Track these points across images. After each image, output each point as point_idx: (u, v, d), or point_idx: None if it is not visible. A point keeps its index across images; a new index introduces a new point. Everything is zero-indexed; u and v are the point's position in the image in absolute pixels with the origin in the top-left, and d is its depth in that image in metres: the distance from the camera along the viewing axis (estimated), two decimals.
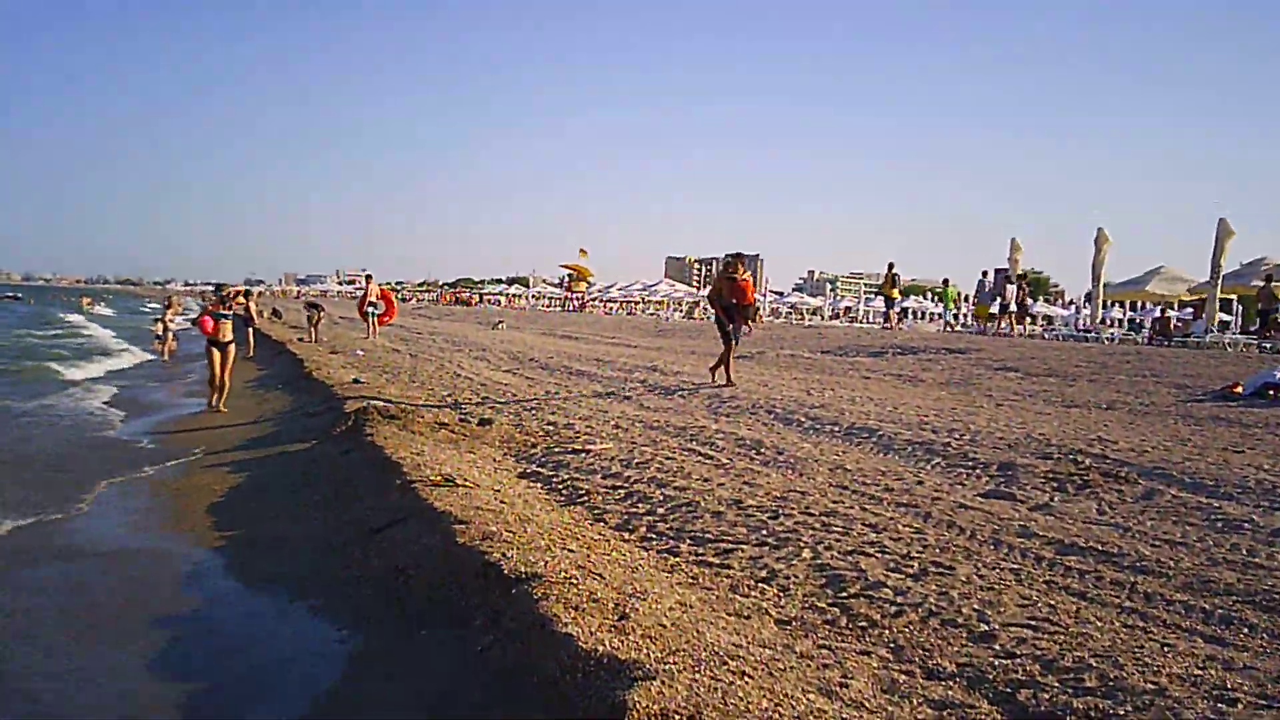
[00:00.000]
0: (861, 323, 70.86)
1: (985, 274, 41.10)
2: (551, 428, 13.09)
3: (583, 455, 11.12)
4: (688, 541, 7.55)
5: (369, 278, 34.17)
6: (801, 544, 7.30)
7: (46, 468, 12.40)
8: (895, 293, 41.43)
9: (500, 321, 46.32)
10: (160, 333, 33.96)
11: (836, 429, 12.43)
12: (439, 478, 8.91)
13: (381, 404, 14.52)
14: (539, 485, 9.83)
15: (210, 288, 25.59)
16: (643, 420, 13.49)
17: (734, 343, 17.40)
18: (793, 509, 8.34)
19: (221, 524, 9.32)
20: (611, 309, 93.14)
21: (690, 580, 6.57)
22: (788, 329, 39.89)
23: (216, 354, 18.13)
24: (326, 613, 6.70)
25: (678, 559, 7.10)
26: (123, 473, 12.30)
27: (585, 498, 9.12)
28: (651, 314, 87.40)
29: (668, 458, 10.66)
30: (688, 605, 5.83)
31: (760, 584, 6.49)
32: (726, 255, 17.27)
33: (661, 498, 8.90)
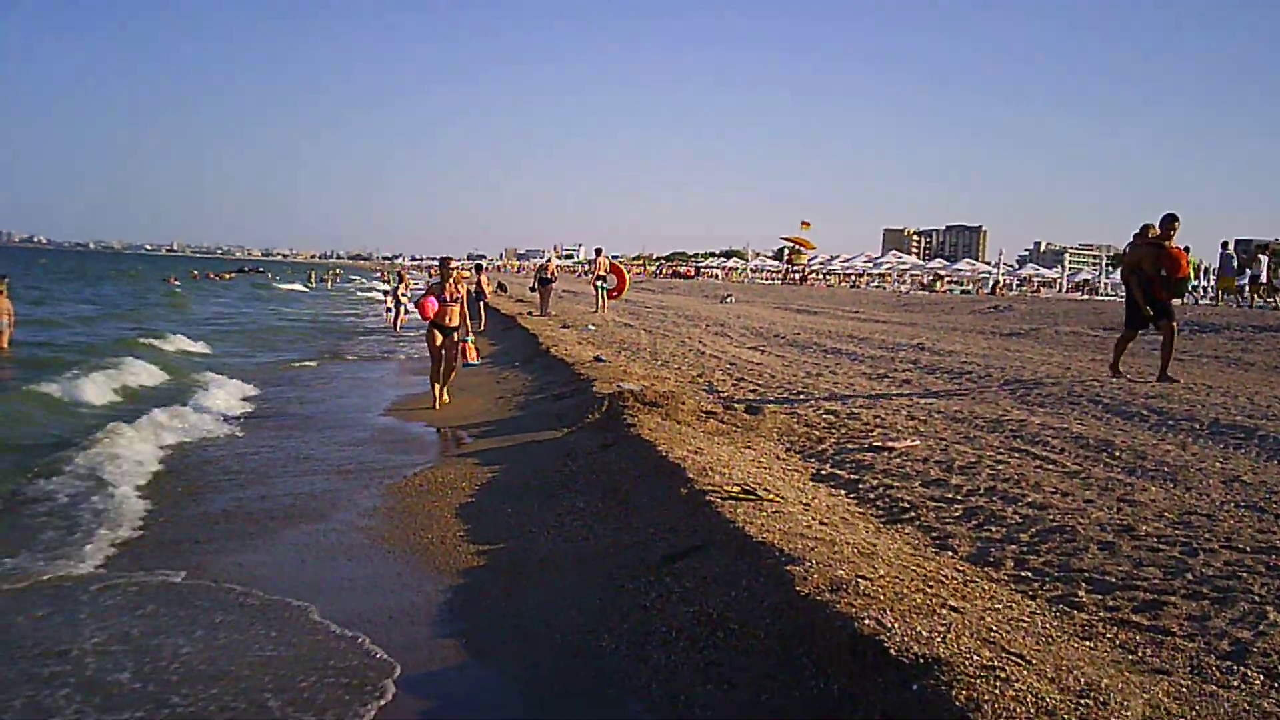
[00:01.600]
0: (1103, 296, 66.33)
1: (1225, 245, 37.04)
2: (833, 417, 11.27)
3: (885, 454, 9.27)
4: (1084, 587, 5.60)
5: (599, 251, 33.01)
6: (1256, 596, 5.28)
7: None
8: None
9: (729, 295, 44.68)
10: (391, 305, 34.16)
11: (1197, 427, 10.15)
12: (735, 487, 7.19)
13: (637, 388, 12.99)
14: (844, 494, 8.04)
15: (436, 262, 24.25)
16: (940, 410, 11.51)
17: (1168, 323, 13.60)
18: (1209, 540, 6.29)
19: (476, 534, 7.86)
20: (833, 282, 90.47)
21: (1130, 655, 4.65)
22: (1037, 303, 36.81)
23: (439, 337, 15.02)
24: (635, 693, 4.96)
25: (1086, 616, 5.18)
26: (357, 459, 11.14)
27: (912, 514, 7.27)
28: (876, 286, 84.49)
29: (997, 460, 8.69)
30: (1167, 713, 3.94)
31: (1229, 663, 4.53)
32: (1165, 214, 13.40)
33: (1016, 518, 6.96)
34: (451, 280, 15.19)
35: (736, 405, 12.12)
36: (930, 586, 5.25)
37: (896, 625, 4.45)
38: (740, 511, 6.51)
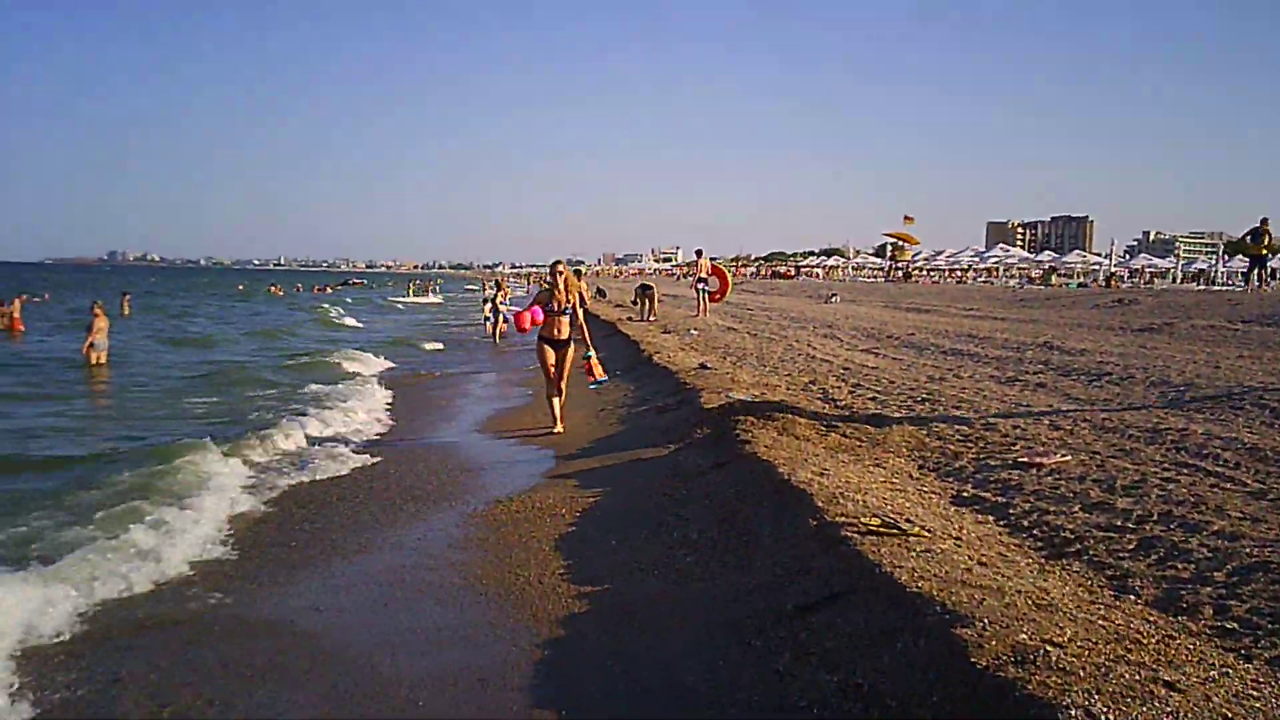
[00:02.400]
0: (1222, 286, 63.49)
1: None
2: (967, 428, 10.25)
3: (1033, 472, 8.25)
4: None
5: (699, 253, 32.07)
6: None
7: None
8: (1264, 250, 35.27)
9: (834, 295, 43.42)
10: (489, 314, 33.64)
11: None
12: (874, 518, 6.25)
13: (747, 398, 12.09)
14: (993, 521, 7.06)
15: (535, 269, 23.19)
16: (1087, 418, 10.41)
17: None
18: None
19: (577, 571, 7.02)
20: (939, 278, 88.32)
21: None
22: (1162, 295, 34.93)
23: (550, 353, 13.40)
24: None
25: None
26: (453, 480, 10.43)
27: (1078, 546, 6.27)
28: (984, 281, 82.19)
29: (1165, 478, 7.62)
30: None
31: None
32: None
33: (1204, 551, 5.92)
34: (562, 288, 13.30)
35: (858, 416, 11.16)
36: (1128, 650, 4.28)
37: (1110, 716, 3.50)
38: (885, 551, 5.58)
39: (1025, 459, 8.69)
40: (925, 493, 7.87)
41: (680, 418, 11.99)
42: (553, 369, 13.42)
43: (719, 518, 7.66)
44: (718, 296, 31.98)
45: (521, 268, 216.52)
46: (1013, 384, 13.60)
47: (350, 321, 49.60)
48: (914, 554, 5.56)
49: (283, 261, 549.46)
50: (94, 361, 23.12)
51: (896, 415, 11.17)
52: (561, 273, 13.43)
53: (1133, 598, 5.38)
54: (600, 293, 49.86)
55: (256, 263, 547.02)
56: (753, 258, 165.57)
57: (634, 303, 33.28)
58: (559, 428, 13.24)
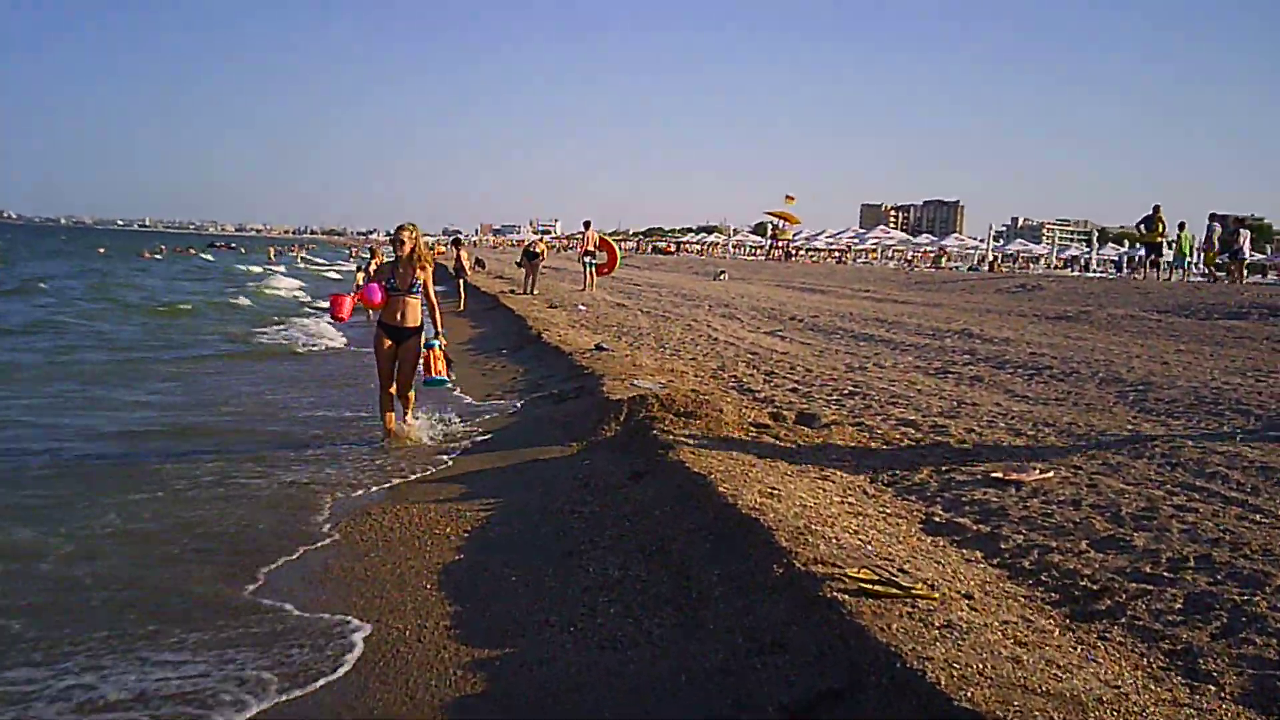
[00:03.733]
0: (1094, 272, 64.40)
1: (1213, 218, 34.88)
2: (914, 430, 8.92)
3: (1013, 491, 6.93)
4: None
5: (587, 224, 30.44)
6: None
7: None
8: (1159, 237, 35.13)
9: (722, 272, 42.16)
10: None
11: None
12: (864, 573, 4.76)
13: (656, 387, 10.59)
14: (985, 559, 5.68)
15: (386, 236, 20.78)
16: (1048, 422, 9.15)
17: None
18: None
19: (468, 625, 5.34)
20: (819, 258, 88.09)
21: None
22: (1068, 282, 34.38)
23: (388, 342, 10.13)
24: None
25: None
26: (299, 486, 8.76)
27: (1108, 602, 4.91)
28: (864, 262, 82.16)
29: (1178, 506, 6.32)
30: None
31: None
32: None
33: (1239, 603, 4.66)
34: (408, 259, 9.99)
35: (784, 413, 9.75)
36: None
37: None
38: (895, 626, 4.10)
39: (999, 474, 7.36)
40: (890, 517, 6.47)
41: (582, 410, 10.42)
42: (390, 363, 10.12)
43: (646, 549, 6.12)
44: (605, 270, 30.45)
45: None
46: (944, 376, 12.35)
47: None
48: (933, 630, 4.10)
49: (148, 222, 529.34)
50: None
51: (828, 412, 9.79)
52: (408, 240, 9.98)
53: (1212, 689, 4.02)
54: (479, 263, 47.81)
55: (120, 223, 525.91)
56: (631, 233, 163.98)
57: (518, 264, 31.56)
58: (389, 439, 10.12)
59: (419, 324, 10.15)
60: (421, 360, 10.29)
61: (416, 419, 10.49)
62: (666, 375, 12.14)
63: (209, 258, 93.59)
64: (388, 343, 10.09)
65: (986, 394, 10.93)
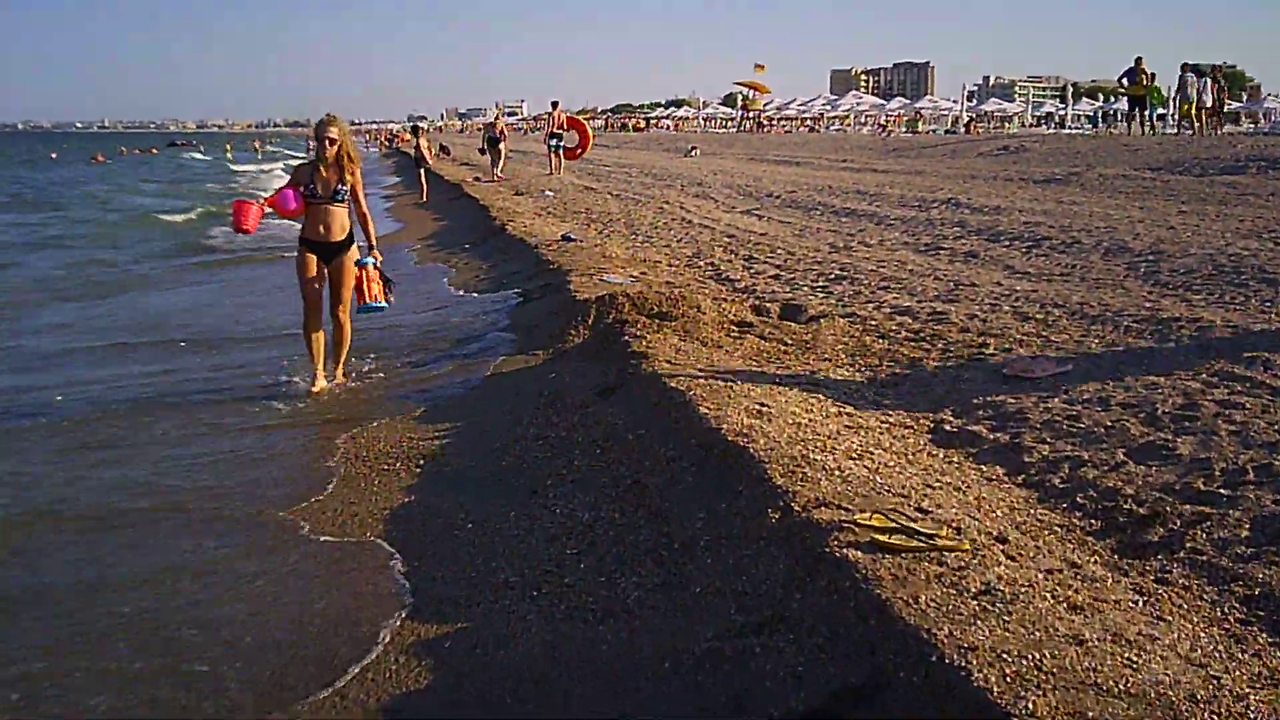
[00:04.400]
0: (1070, 128, 63.20)
1: (1185, 67, 33.58)
2: (911, 320, 8.14)
3: (1028, 388, 6.18)
4: None
5: (555, 105, 29.09)
6: None
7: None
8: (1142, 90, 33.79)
9: (693, 148, 40.87)
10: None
11: None
12: (877, 519, 3.97)
13: (625, 282, 9.74)
14: (1007, 476, 4.96)
15: (374, 127, 18.99)
16: (1056, 302, 8.36)
17: None
18: None
19: (418, 585, 4.59)
20: (791, 127, 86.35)
21: None
22: (1050, 141, 33.28)
23: (312, 264, 8.21)
24: None
25: None
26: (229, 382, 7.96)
27: (1161, 531, 4.17)
28: (838, 130, 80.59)
29: (1221, 401, 5.57)
30: None
31: None
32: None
33: None
34: (333, 158, 8.01)
35: (766, 304, 8.93)
36: None
37: None
38: (925, 597, 3.31)
39: (1011, 370, 6.58)
40: (894, 430, 5.70)
41: (548, 310, 9.57)
42: (316, 287, 8.22)
43: (619, 484, 5.33)
44: (578, 152, 29.11)
45: (362, 124, 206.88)
46: (935, 253, 11.53)
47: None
48: (969, 601, 3.31)
49: (107, 124, 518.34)
50: None
51: (815, 302, 8.98)
52: (334, 138, 8.01)
53: None
54: (444, 149, 46.41)
55: (79, 125, 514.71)
56: (599, 110, 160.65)
57: (481, 151, 30.32)
58: (319, 383, 8.12)
59: (348, 237, 8.21)
60: (356, 282, 8.27)
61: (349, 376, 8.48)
62: (639, 267, 11.27)
63: (201, 156, 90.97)
64: (312, 261, 8.14)
65: (984, 272, 10.12)
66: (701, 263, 11.70)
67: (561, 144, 28.34)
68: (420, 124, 46.04)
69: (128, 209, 33.08)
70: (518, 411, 6.86)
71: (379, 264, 8.38)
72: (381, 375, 8.58)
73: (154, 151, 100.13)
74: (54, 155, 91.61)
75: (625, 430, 5.91)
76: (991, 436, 5.51)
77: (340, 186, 8.05)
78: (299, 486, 6.02)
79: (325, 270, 8.19)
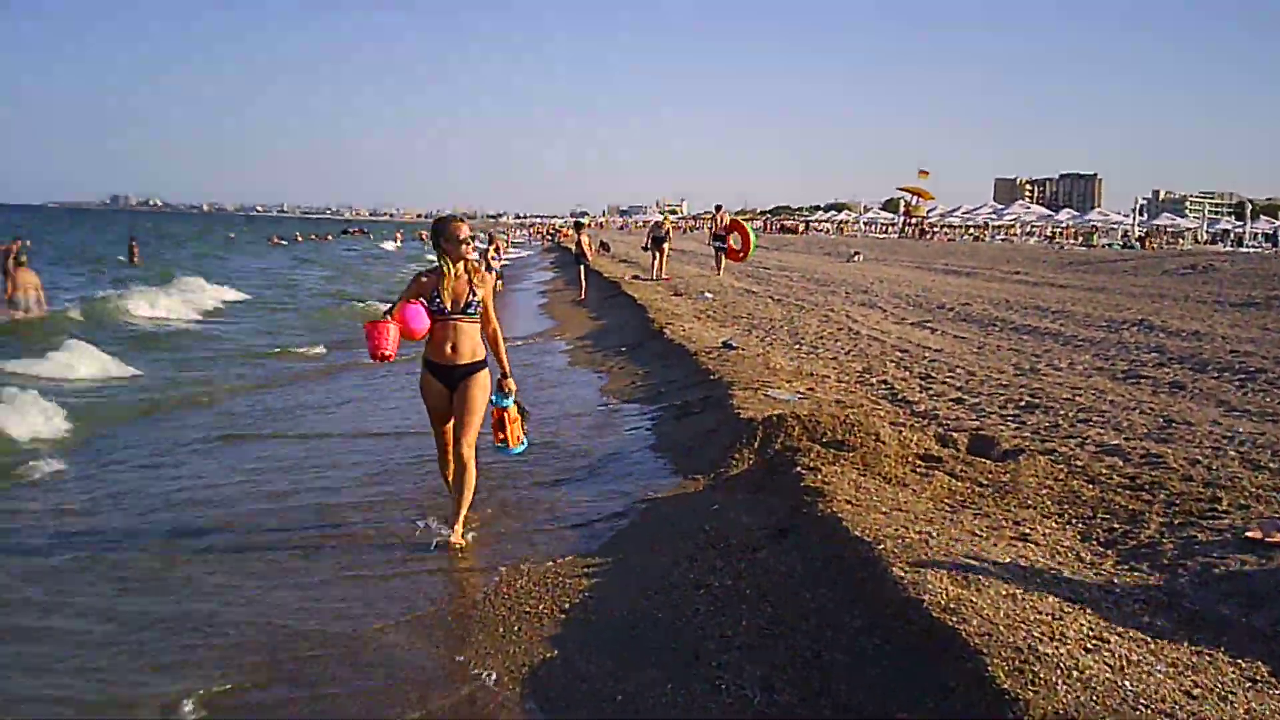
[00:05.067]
0: (1249, 247, 60.33)
1: None
2: (1123, 464, 7.15)
3: (1278, 559, 5.18)
4: None
5: (718, 207, 28.69)
6: None
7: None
8: None
9: (856, 253, 40.07)
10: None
11: None
12: None
13: (793, 399, 8.98)
14: None
15: (537, 220, 18.25)
16: None
17: None
18: None
19: None
20: (954, 235, 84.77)
21: None
22: (1240, 261, 31.54)
23: (436, 389, 6.82)
24: None
25: None
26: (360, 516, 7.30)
27: None
28: (1003, 239, 78.79)
29: None
30: None
31: None
32: None
33: None
34: (459, 269, 6.73)
35: (952, 434, 8.05)
36: None
37: None
38: None
39: (1256, 534, 5.58)
40: (1124, 604, 4.77)
41: (708, 428, 8.85)
42: (445, 419, 6.85)
43: (796, 659, 4.51)
44: (741, 255, 28.50)
45: (526, 218, 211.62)
46: (1135, 381, 10.47)
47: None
48: None
49: (286, 208, 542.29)
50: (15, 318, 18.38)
51: (1007, 434, 8.06)
52: (462, 236, 6.74)
53: None
54: (604, 246, 46.53)
55: (261, 209, 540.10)
56: (758, 211, 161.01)
57: (645, 249, 30.05)
58: (456, 535, 6.73)
59: (479, 358, 6.77)
60: (493, 418, 6.98)
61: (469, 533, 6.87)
62: (805, 381, 10.51)
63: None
64: (438, 389, 6.76)
65: (1196, 407, 9.05)
66: (873, 379, 10.87)
67: (724, 246, 27.86)
68: (582, 219, 46.33)
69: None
70: (675, 551, 6.11)
71: (518, 399, 7.04)
72: (523, 498, 7.89)
73: (328, 238, 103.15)
74: (232, 235, 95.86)
75: (802, 586, 5.11)
76: (1244, 621, 4.56)
77: (471, 298, 6.65)
78: (432, 634, 5.35)
79: (450, 397, 6.75)
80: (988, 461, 7.28)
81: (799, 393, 9.69)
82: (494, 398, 6.88)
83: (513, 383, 6.97)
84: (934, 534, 5.38)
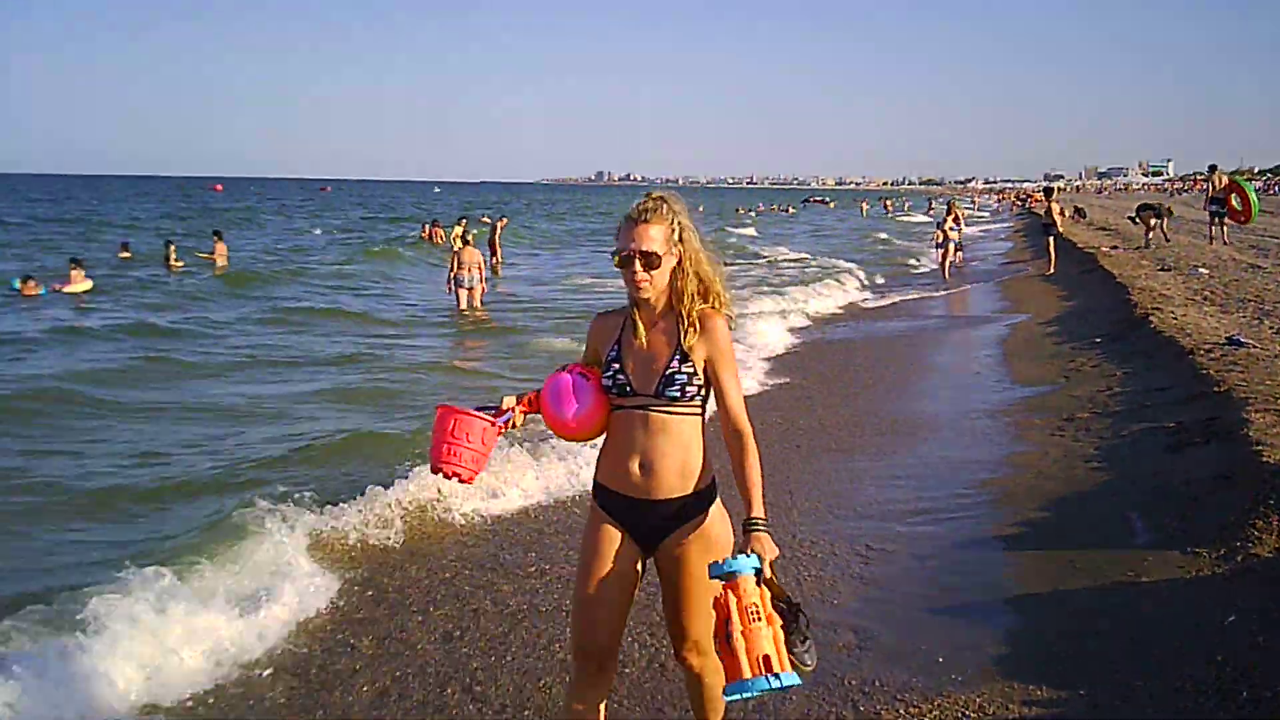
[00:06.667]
0: None
1: None
2: None
3: None
4: None
5: (1213, 169, 24.79)
6: None
7: None
8: None
9: None
10: (940, 241, 26.90)
11: None
12: None
13: None
14: None
15: (1006, 186, 16.58)
16: None
17: None
18: None
19: None
20: None
21: None
22: None
23: (613, 544, 3.41)
24: None
25: None
26: None
27: None
28: None
29: None
30: None
31: None
32: None
33: None
34: (666, 303, 3.41)
35: None
36: None
37: None
38: None
39: None
40: None
41: (1215, 469, 6.49)
42: (614, 602, 3.44)
43: None
44: (1244, 219, 24.35)
45: (995, 182, 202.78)
46: None
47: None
48: None
49: (754, 179, 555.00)
50: (463, 306, 18.50)
51: None
52: (647, 250, 3.29)
53: None
54: (1079, 212, 42.26)
55: (730, 181, 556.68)
56: (1255, 170, 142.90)
57: (1131, 219, 26.71)
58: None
59: (701, 488, 3.41)
60: (718, 617, 3.07)
61: None
62: None
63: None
64: (611, 539, 3.45)
65: None
66: None
67: (1222, 210, 24.02)
68: (1054, 184, 42.47)
69: None
70: (1163, 672, 4.07)
71: (772, 571, 3.12)
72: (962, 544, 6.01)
73: (791, 210, 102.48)
74: (700, 208, 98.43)
75: None
76: None
77: (681, 367, 3.34)
78: None
79: (641, 566, 3.52)
80: None
81: None
82: (720, 568, 3.09)
83: (767, 540, 3.13)
84: None
